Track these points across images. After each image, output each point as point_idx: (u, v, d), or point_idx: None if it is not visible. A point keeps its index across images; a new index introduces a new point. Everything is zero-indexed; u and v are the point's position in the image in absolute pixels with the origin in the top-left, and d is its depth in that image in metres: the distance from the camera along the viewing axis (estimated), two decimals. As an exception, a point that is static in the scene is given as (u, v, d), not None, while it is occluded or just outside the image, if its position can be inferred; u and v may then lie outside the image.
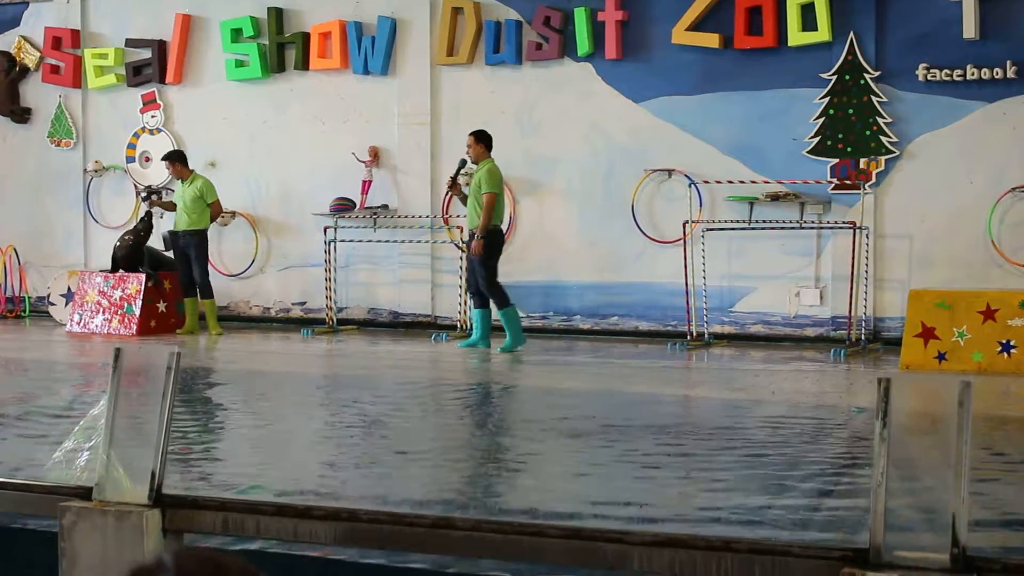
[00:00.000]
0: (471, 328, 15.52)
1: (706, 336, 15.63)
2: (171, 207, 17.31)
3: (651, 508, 6.78)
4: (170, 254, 17.35)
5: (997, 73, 14.59)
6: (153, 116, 19.06)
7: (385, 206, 17.41)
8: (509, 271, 16.65)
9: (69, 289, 18.26)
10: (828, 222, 15.34)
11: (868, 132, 15.17)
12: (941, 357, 12.85)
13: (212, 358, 14.93)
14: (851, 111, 15.22)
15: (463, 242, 16.48)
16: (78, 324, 17.20)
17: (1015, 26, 14.60)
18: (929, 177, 14.97)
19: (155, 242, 17.76)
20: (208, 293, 16.88)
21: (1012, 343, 12.66)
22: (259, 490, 7.18)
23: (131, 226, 17.92)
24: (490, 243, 14.73)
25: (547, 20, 16.55)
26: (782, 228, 15.43)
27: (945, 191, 14.91)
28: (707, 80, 15.86)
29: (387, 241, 17.29)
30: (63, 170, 19.63)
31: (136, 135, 19.18)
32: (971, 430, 4.45)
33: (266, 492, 7.08)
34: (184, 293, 16.96)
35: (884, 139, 15.10)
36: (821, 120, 15.32)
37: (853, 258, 14.94)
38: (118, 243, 17.50)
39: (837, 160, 15.29)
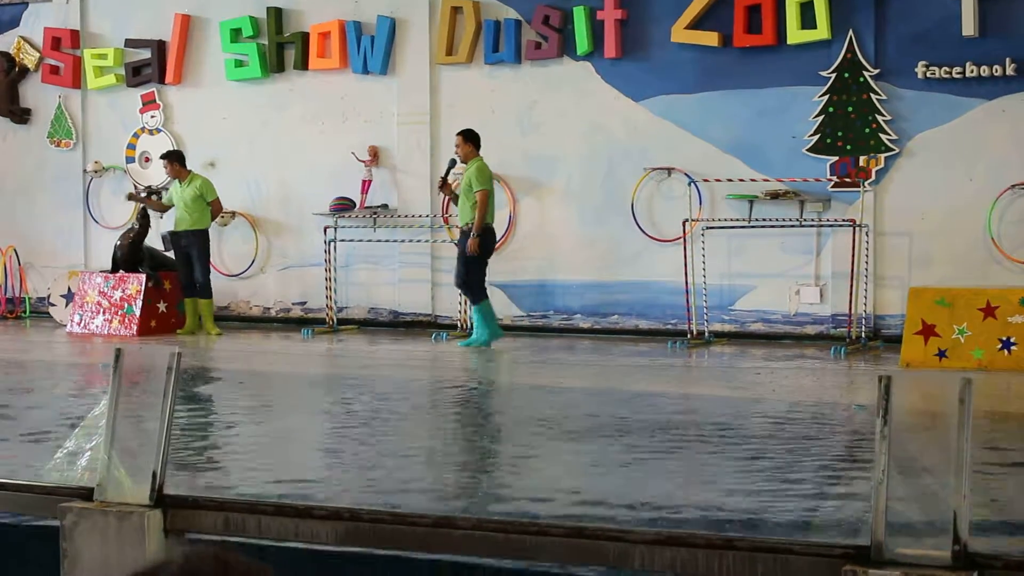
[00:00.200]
0: (471, 327, 15.52)
1: (706, 334, 15.63)
2: (158, 207, 17.32)
3: (653, 506, 6.78)
4: (170, 254, 17.33)
5: (996, 70, 14.59)
6: (153, 116, 19.05)
7: (385, 206, 17.41)
8: (510, 270, 16.70)
9: (69, 290, 18.25)
10: (828, 220, 15.34)
11: (868, 130, 15.17)
12: (941, 354, 12.85)
13: (213, 358, 14.93)
14: (850, 109, 15.22)
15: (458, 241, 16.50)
16: (78, 325, 17.20)
17: (1014, 23, 14.60)
18: (929, 175, 14.96)
19: (155, 242, 17.75)
20: (207, 293, 16.87)
21: (1012, 340, 12.66)
22: (260, 489, 7.18)
23: (131, 226, 17.88)
24: (482, 241, 14.78)
25: (546, 19, 16.55)
26: (782, 226, 15.42)
27: (945, 188, 14.91)
28: (706, 78, 15.86)
29: (387, 241, 17.28)
30: (63, 171, 19.62)
31: (136, 135, 19.17)
32: (972, 427, 4.46)
33: (267, 492, 7.08)
34: (185, 293, 16.95)
35: (884, 137, 15.10)
36: (821, 118, 15.32)
37: (853, 256, 14.94)
38: (118, 242, 17.49)
39: (837, 158, 15.29)
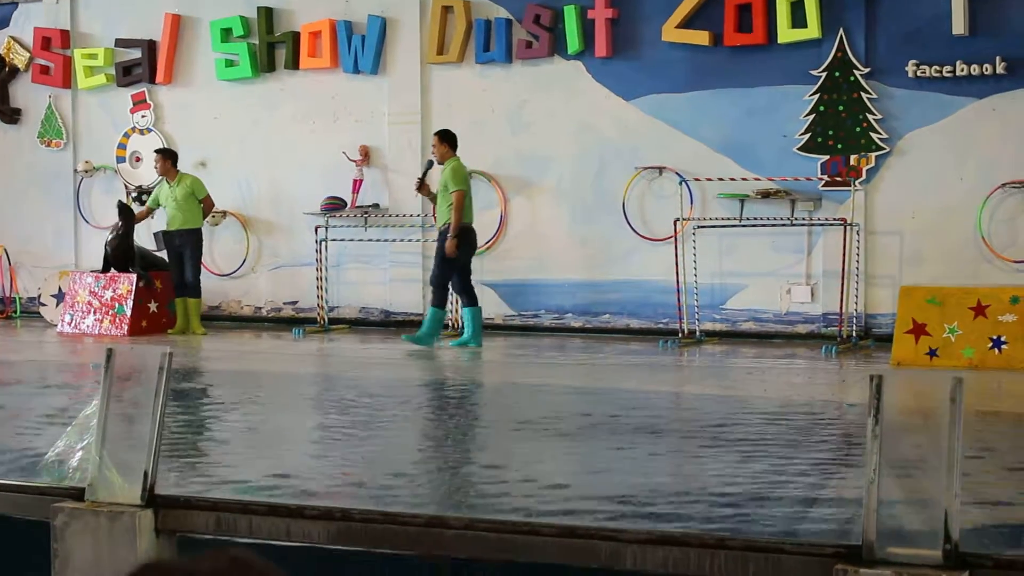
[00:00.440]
0: (462, 327, 15.52)
1: (697, 334, 15.64)
2: (145, 215, 17.30)
3: (644, 506, 6.78)
4: (163, 254, 17.30)
5: (987, 69, 14.61)
6: (143, 116, 19.04)
7: (376, 205, 17.41)
8: (501, 269, 16.71)
9: (60, 290, 18.22)
10: (819, 219, 15.36)
11: (858, 129, 15.18)
12: (932, 353, 12.87)
13: (203, 358, 14.92)
14: (841, 108, 15.23)
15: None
16: (69, 325, 17.17)
17: (1004, 22, 14.63)
18: (919, 173, 14.98)
19: (147, 242, 17.73)
20: (196, 293, 16.85)
21: (1003, 339, 12.69)
22: (251, 490, 7.17)
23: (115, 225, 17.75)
24: (463, 241, 14.80)
25: (537, 18, 16.56)
26: (773, 225, 15.44)
27: (935, 187, 14.93)
28: (697, 77, 15.87)
29: (378, 240, 17.28)
30: (53, 170, 19.60)
31: (126, 135, 19.16)
32: (963, 426, 4.46)
33: (258, 492, 7.07)
34: (176, 293, 16.92)
35: (874, 135, 15.11)
36: (811, 117, 15.34)
37: (844, 255, 14.96)
38: (108, 240, 17.41)
39: (827, 157, 15.31)
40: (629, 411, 10.58)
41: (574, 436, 9.34)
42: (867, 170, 15.18)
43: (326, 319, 17.36)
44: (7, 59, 19.86)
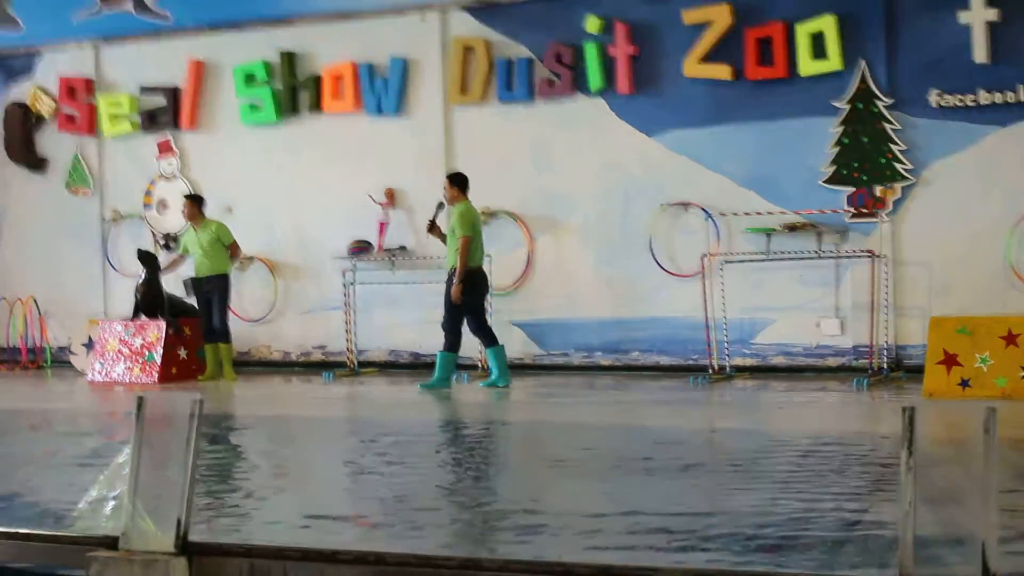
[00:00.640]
0: (488, 368, 15.49)
1: (727, 369, 15.60)
2: (177, 264, 17.34)
3: (679, 542, 6.75)
4: (192, 300, 17.32)
5: (1009, 97, 14.59)
6: (169, 163, 19.13)
7: (403, 247, 17.43)
8: (529, 308, 16.72)
9: (90, 338, 18.29)
10: (846, 251, 15.32)
11: (883, 160, 15.16)
12: (964, 384, 12.80)
13: (234, 404, 14.92)
14: (865, 139, 15.22)
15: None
16: (99, 373, 17.20)
17: (1026, 50, 14.62)
18: (946, 203, 14.95)
19: (176, 289, 17.77)
20: (226, 338, 16.86)
21: (1035, 367, 12.62)
22: (285, 535, 7.16)
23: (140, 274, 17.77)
24: (472, 283, 14.80)
25: (558, 56, 16.60)
26: (800, 259, 15.41)
27: (962, 217, 14.89)
28: (720, 112, 15.88)
29: (405, 283, 17.29)
30: (81, 219, 19.69)
31: (153, 182, 19.24)
32: (997, 455, 4.44)
33: (292, 537, 7.06)
34: (206, 339, 16.94)
35: (899, 166, 15.09)
36: (836, 149, 15.32)
37: (872, 286, 14.93)
38: (137, 289, 17.45)
39: (853, 189, 15.28)
40: (662, 448, 10.55)
41: (607, 474, 9.31)
42: (893, 201, 15.15)
43: (355, 362, 17.38)
44: (33, 108, 19.98)
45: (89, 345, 18.25)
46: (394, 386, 15.86)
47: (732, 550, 6.53)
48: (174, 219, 19.00)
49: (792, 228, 15.39)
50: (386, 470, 9.82)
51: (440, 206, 15.40)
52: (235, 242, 16.97)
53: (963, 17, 14.74)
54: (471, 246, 14.79)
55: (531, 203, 16.85)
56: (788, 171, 15.54)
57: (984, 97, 14.70)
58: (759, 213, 15.58)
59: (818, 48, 15.33)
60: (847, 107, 15.28)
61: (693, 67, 15.94)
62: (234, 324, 17.27)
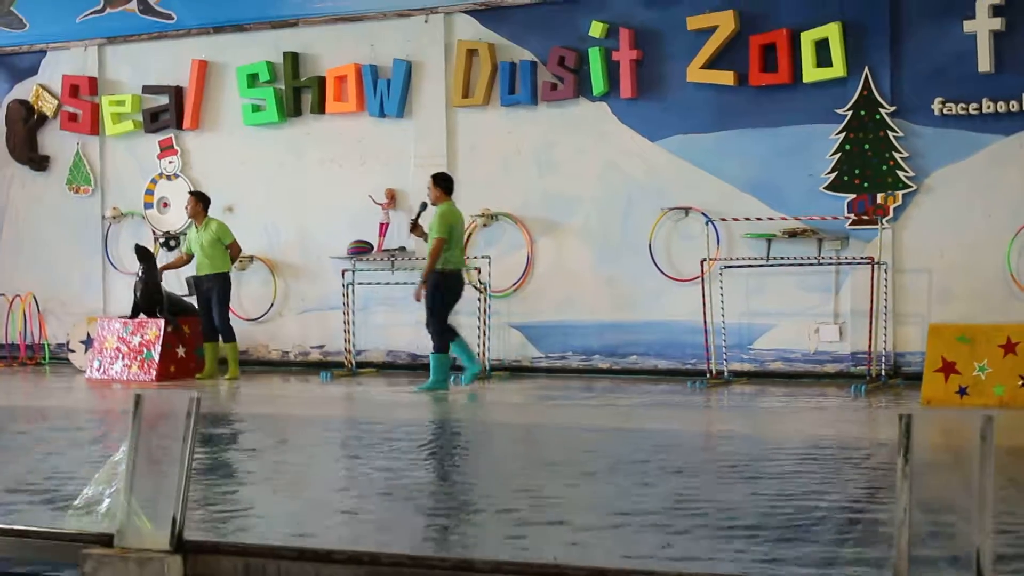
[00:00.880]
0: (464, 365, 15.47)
1: (726, 374, 15.61)
2: (181, 263, 17.31)
3: (675, 546, 6.75)
4: (194, 299, 17.30)
5: (1013, 106, 14.59)
6: (171, 162, 19.13)
7: (403, 248, 17.44)
8: (528, 311, 16.74)
9: (88, 336, 18.29)
10: (846, 258, 15.32)
11: (885, 167, 15.16)
12: (962, 392, 12.80)
13: (231, 403, 14.92)
14: (867, 146, 15.22)
15: (478, 283, 16.60)
16: (98, 371, 17.19)
17: (1030, 59, 14.63)
18: (947, 211, 14.95)
19: (176, 287, 17.76)
20: (229, 337, 16.85)
21: (1033, 376, 12.61)
22: (280, 534, 7.16)
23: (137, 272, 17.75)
24: (444, 285, 14.84)
25: (562, 60, 16.60)
26: (800, 264, 15.41)
27: (963, 225, 14.89)
28: (723, 118, 15.89)
29: (405, 283, 17.29)
30: (81, 217, 19.70)
31: (154, 181, 19.25)
32: (994, 464, 4.44)
33: (287, 536, 7.06)
34: (205, 338, 16.94)
35: (901, 174, 15.09)
36: (837, 156, 15.33)
37: (872, 293, 14.92)
38: (136, 285, 17.44)
39: (854, 195, 15.29)
40: (658, 452, 10.55)
41: (603, 477, 9.31)
42: (894, 208, 15.15)
43: (354, 363, 17.38)
44: (36, 107, 20.00)
45: (88, 342, 18.25)
46: (391, 387, 15.85)
47: (727, 554, 6.53)
48: (175, 218, 19.02)
49: (792, 234, 15.39)
50: (380, 472, 9.82)
51: (423, 206, 15.46)
52: (235, 241, 16.95)
53: (968, 26, 14.73)
54: (445, 248, 14.81)
55: (532, 206, 16.86)
56: (789, 177, 15.54)
57: (987, 106, 14.70)
58: (759, 219, 15.58)
59: (822, 55, 15.34)
60: (850, 114, 15.28)
61: (696, 72, 15.94)
62: (233, 323, 17.22)
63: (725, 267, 15.74)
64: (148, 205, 19.31)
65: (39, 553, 6.20)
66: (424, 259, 16.40)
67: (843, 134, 15.32)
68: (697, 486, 8.95)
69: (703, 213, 15.95)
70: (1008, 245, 14.65)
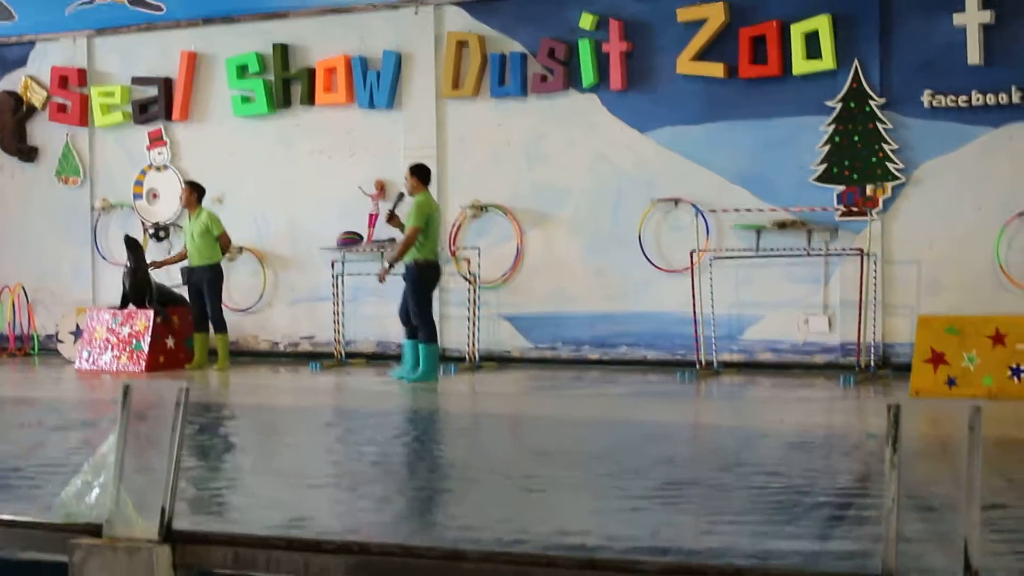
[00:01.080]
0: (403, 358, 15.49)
1: (715, 364, 15.62)
2: (177, 259, 17.28)
3: (663, 537, 6.75)
4: (185, 289, 17.27)
5: (1002, 98, 14.61)
6: (160, 153, 19.11)
7: (392, 239, 17.42)
8: (518, 302, 16.74)
9: (77, 326, 18.27)
10: (835, 249, 15.34)
11: (874, 159, 15.18)
12: (951, 382, 12.82)
13: (220, 393, 14.92)
14: (857, 138, 15.23)
15: (469, 274, 16.61)
16: (87, 361, 17.19)
17: (1019, 51, 14.63)
18: (936, 203, 14.97)
19: (166, 279, 17.75)
20: (220, 327, 16.84)
21: (1022, 367, 12.63)
22: (269, 522, 7.16)
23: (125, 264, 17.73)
24: (422, 276, 14.84)
25: (552, 52, 16.60)
26: (789, 256, 15.42)
27: (952, 216, 14.91)
28: (712, 109, 15.89)
29: (395, 274, 17.24)
30: (71, 208, 19.67)
31: (143, 172, 19.23)
32: (982, 454, 4.45)
33: (277, 526, 7.06)
34: (196, 328, 16.93)
35: (890, 165, 15.10)
36: (827, 148, 15.33)
37: (861, 284, 14.94)
38: (124, 278, 17.43)
39: (844, 187, 15.30)
40: (647, 443, 10.56)
41: (591, 468, 9.32)
42: (884, 200, 15.17)
43: (343, 353, 17.39)
44: (25, 98, 19.96)
45: (77, 333, 18.23)
46: (380, 377, 15.85)
47: (715, 545, 6.54)
48: (164, 209, 19.01)
49: (782, 225, 15.40)
50: (369, 463, 9.82)
51: (400, 196, 15.51)
52: (224, 233, 16.93)
53: (957, 19, 14.74)
54: (422, 238, 14.82)
55: (522, 197, 16.86)
56: (779, 169, 15.55)
57: (977, 98, 14.72)
58: (749, 210, 15.60)
59: (812, 47, 15.35)
60: (839, 106, 15.29)
61: (686, 64, 15.94)
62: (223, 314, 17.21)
63: (715, 258, 15.76)
64: (137, 196, 19.29)
65: (27, 543, 6.20)
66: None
67: (833, 126, 15.33)
68: (685, 475, 8.96)
69: (693, 204, 15.96)
70: (997, 237, 14.67)
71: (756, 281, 15.74)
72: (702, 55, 15.86)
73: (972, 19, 14.68)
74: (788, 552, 6.30)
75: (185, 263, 17.15)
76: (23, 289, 19.67)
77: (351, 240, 17.44)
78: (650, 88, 16.23)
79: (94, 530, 5.63)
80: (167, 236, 18.87)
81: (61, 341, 18.79)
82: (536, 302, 16.79)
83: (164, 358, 17.00)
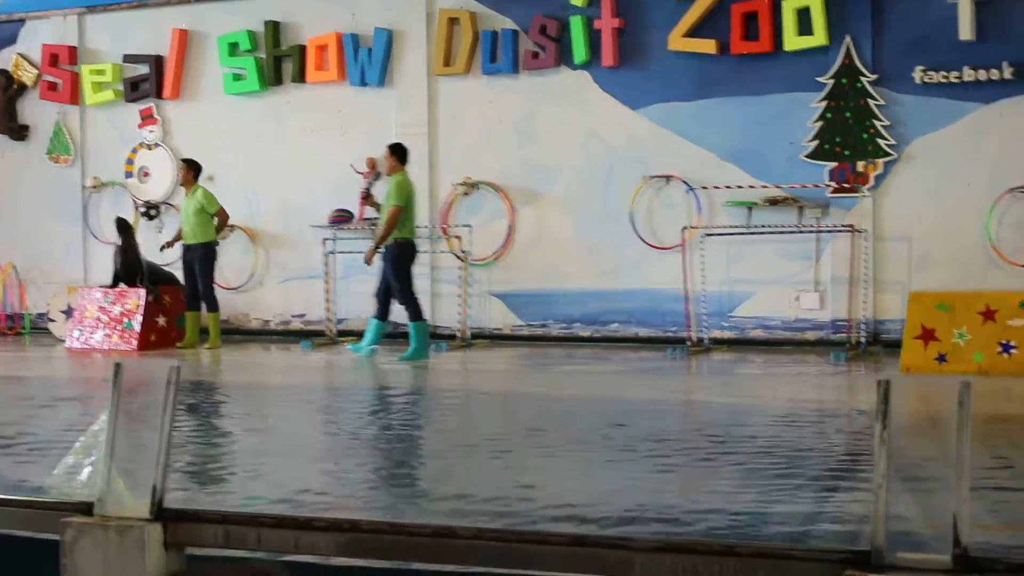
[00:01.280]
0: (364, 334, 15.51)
1: (706, 341, 15.64)
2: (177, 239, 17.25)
3: (653, 514, 6.76)
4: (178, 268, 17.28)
5: (994, 74, 14.61)
6: (151, 131, 19.07)
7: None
8: (509, 279, 16.74)
9: (69, 305, 18.26)
10: (827, 225, 15.35)
11: (865, 135, 15.18)
12: (941, 359, 12.84)
13: (211, 372, 14.92)
14: (848, 114, 15.23)
15: (460, 251, 16.61)
16: (78, 340, 17.18)
17: (1011, 27, 14.62)
18: (927, 179, 14.98)
19: (156, 257, 17.73)
20: (212, 306, 16.83)
21: (1012, 343, 12.65)
22: (259, 499, 7.17)
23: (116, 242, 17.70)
24: (402, 255, 14.85)
25: (543, 29, 16.57)
26: (781, 232, 15.43)
27: (943, 193, 14.92)
28: (704, 86, 15.88)
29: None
30: (62, 186, 19.64)
31: (134, 150, 19.20)
32: (971, 430, 4.45)
33: (267, 504, 7.07)
34: (188, 306, 16.92)
35: (882, 142, 15.11)
36: (819, 124, 15.33)
37: (852, 261, 14.96)
38: (115, 257, 17.42)
39: (835, 164, 15.30)
40: (637, 420, 10.57)
41: (582, 445, 9.33)
42: (875, 176, 15.17)
43: (335, 331, 17.38)
44: (15, 76, 19.91)
45: (68, 312, 18.22)
46: (372, 355, 15.84)
47: (705, 521, 6.55)
48: (156, 187, 18.99)
49: (773, 202, 15.41)
50: (359, 440, 9.83)
51: (377, 176, 15.50)
52: (221, 208, 16.89)
53: (949, -6, 14.76)
54: (402, 217, 14.82)
55: (513, 174, 16.85)
56: (771, 145, 15.55)
57: (968, 74, 14.72)
58: (741, 187, 15.60)
59: (804, 23, 15.33)
60: (831, 82, 15.28)
61: (678, 41, 15.93)
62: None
63: (706, 235, 15.76)
64: (129, 175, 19.26)
65: (18, 522, 6.19)
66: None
67: (824, 102, 15.33)
68: (675, 452, 8.97)
69: (684, 181, 15.96)
70: (988, 213, 14.68)
71: (747, 258, 15.75)
72: (694, 32, 15.84)
73: (964, -5, 14.68)
74: (778, 529, 6.32)
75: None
76: (14, 268, 19.66)
77: (342, 218, 17.43)
78: (642, 65, 16.21)
79: (85, 508, 5.63)
80: (158, 214, 18.86)
81: (52, 320, 18.77)
82: (527, 280, 16.79)
83: (156, 337, 17.00)
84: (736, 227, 15.64)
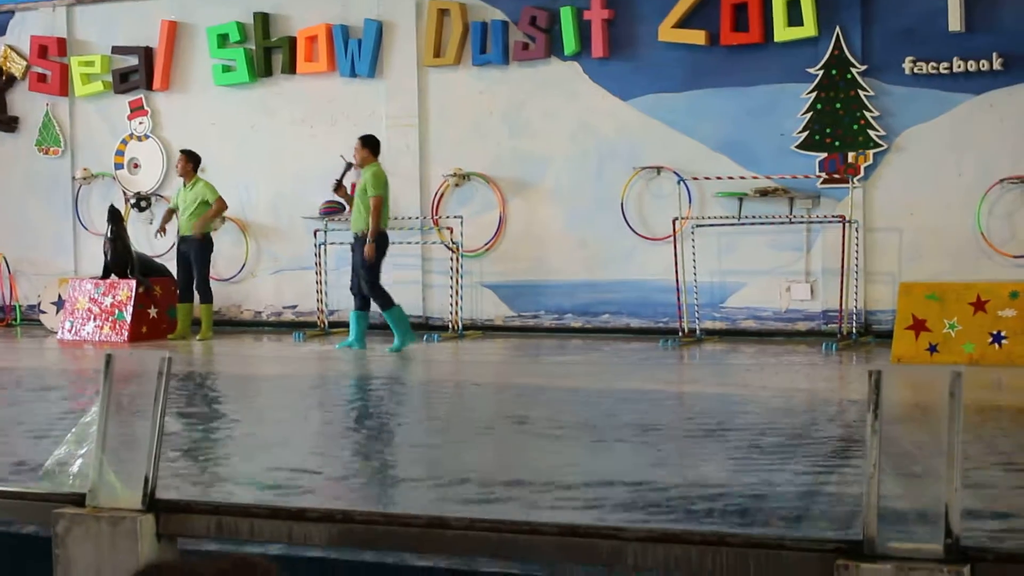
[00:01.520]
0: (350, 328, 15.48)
1: (697, 332, 15.65)
2: (168, 218, 17.19)
3: (645, 503, 6.78)
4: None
5: (983, 65, 14.62)
6: (141, 123, 19.04)
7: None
8: (500, 270, 16.73)
9: (60, 297, 18.23)
10: (817, 216, 15.36)
11: (856, 126, 15.19)
12: (932, 349, 12.87)
13: (203, 363, 14.91)
14: (838, 105, 15.24)
15: (451, 242, 16.59)
16: (69, 332, 17.16)
17: (1000, 18, 14.63)
18: (918, 170, 14.99)
19: (148, 248, 17.71)
20: (206, 298, 16.81)
21: (1003, 334, 12.69)
22: (255, 486, 7.17)
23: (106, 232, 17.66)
24: (377, 246, 14.82)
25: (533, 20, 16.56)
26: (771, 223, 15.44)
27: (934, 183, 14.93)
28: (694, 77, 15.87)
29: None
30: (51, 178, 19.60)
31: (124, 142, 19.16)
32: (963, 421, 4.46)
33: (260, 494, 7.07)
34: (181, 298, 16.91)
35: (872, 133, 15.12)
36: (809, 115, 15.34)
37: (843, 252, 14.97)
38: (105, 248, 17.40)
39: (825, 154, 15.31)
40: (629, 410, 10.58)
41: (573, 435, 9.34)
42: (865, 167, 15.18)
43: (326, 322, 17.37)
44: (4, 67, 19.86)
45: (59, 304, 18.19)
46: (363, 348, 15.84)
47: (697, 512, 6.57)
48: (145, 178, 18.95)
49: (764, 193, 15.42)
50: (351, 431, 9.84)
51: (348, 166, 15.49)
52: (220, 198, 16.87)
53: (938, -15, 14.76)
54: (382, 207, 14.83)
55: (504, 165, 16.84)
56: (761, 136, 15.56)
57: (958, 65, 14.72)
58: (731, 177, 15.60)
59: (794, 14, 15.33)
60: (821, 73, 15.29)
61: (668, 32, 15.92)
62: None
63: (697, 226, 15.76)
64: (119, 166, 19.22)
65: (10, 513, 6.19)
66: (397, 219, 16.41)
67: (814, 93, 15.33)
68: (667, 443, 8.99)
69: (675, 172, 15.96)
70: (978, 204, 14.70)
71: (738, 249, 15.76)
72: (684, 22, 15.83)
73: (954, -14, 14.68)
74: (769, 519, 6.33)
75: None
76: (4, 260, 19.62)
77: (334, 209, 17.40)
78: (632, 56, 16.20)
79: (77, 500, 5.63)
80: (149, 206, 18.83)
81: (43, 311, 18.75)
82: (519, 271, 16.79)
83: (147, 328, 16.98)
84: (727, 218, 15.64)
